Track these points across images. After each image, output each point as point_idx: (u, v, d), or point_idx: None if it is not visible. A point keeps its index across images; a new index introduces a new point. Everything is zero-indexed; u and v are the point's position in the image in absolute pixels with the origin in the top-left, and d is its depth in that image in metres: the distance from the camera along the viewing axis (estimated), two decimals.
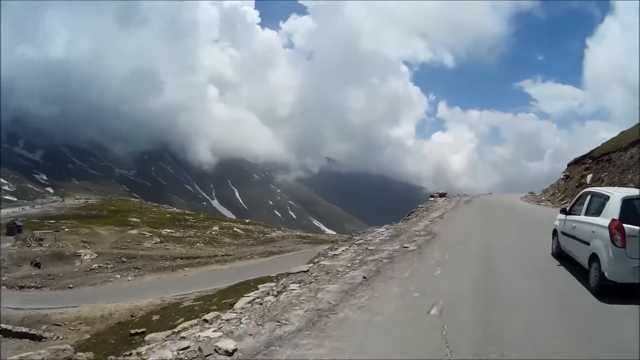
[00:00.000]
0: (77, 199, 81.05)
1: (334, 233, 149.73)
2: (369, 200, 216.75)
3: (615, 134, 23.35)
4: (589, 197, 8.01)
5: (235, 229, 46.28)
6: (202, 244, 30.30)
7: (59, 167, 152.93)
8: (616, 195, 6.98)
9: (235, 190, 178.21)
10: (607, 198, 7.11)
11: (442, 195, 34.68)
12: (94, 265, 21.57)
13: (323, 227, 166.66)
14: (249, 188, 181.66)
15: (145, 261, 23.12)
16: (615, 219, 6.36)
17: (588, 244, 7.08)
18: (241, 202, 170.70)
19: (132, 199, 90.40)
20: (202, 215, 67.02)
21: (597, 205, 7.41)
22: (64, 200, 78.33)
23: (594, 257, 6.75)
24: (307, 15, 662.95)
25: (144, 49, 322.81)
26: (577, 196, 9.04)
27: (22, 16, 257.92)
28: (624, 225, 6.23)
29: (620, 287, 6.19)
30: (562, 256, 8.68)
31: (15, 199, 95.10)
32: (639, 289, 6.02)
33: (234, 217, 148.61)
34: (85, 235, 27.75)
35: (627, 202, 6.68)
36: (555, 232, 9.28)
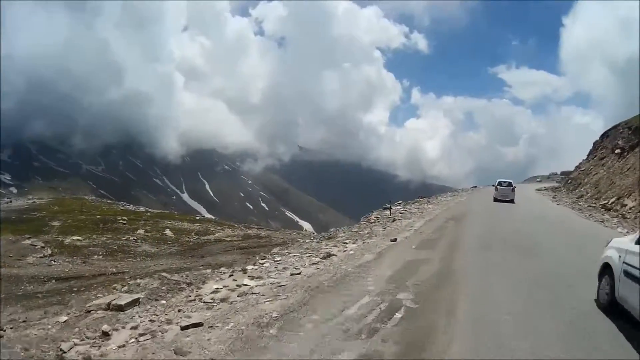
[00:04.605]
0: (28, 199, 79.52)
1: (309, 225, 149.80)
2: (342, 189, 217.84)
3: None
4: (495, 182, 30.34)
5: (167, 230, 43.98)
6: (101, 256, 27.39)
7: (24, 166, 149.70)
8: (497, 180, 30.06)
9: (206, 182, 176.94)
10: (495, 182, 30.44)
11: None
12: None
13: (296, 219, 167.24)
14: (219, 180, 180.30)
15: (5, 285, 20.47)
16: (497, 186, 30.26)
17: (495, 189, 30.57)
18: (212, 194, 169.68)
19: (87, 197, 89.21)
20: (149, 213, 65.82)
21: (495, 181, 31.28)
22: (10, 201, 76.91)
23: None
24: (276, 0, 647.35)
25: (105, 37, 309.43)
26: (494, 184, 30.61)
27: None
28: (497, 186, 29.86)
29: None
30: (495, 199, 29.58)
31: None
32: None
33: (205, 210, 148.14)
34: None
35: (500, 182, 29.48)
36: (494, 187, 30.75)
